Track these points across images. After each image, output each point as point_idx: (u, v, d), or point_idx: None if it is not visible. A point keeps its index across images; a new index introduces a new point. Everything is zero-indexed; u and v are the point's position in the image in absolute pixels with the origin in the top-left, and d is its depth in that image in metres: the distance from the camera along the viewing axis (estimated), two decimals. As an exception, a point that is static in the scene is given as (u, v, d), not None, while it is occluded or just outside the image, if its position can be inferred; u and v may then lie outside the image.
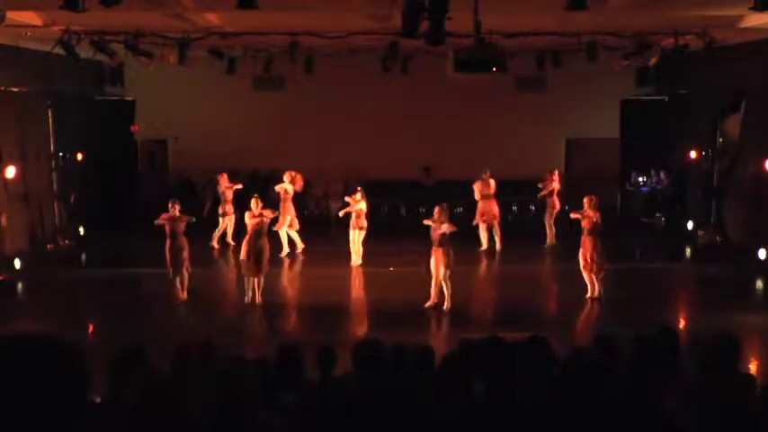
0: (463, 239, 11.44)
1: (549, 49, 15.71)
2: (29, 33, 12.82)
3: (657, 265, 14.98)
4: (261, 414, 3.64)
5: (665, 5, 10.83)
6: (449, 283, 11.18)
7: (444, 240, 11.03)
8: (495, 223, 15.78)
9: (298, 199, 19.65)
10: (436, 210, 11.17)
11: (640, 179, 19.51)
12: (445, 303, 11.25)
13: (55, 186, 16.73)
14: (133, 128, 19.73)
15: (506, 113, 20.11)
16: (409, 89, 18.78)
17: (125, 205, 18.68)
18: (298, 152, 19.22)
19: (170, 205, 11.90)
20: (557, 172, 16.64)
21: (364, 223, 14.33)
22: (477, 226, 15.69)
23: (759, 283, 13.15)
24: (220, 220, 16.16)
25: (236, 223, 15.74)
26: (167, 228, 11.79)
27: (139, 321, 11.16)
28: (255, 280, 11.70)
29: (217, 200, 17.46)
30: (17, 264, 14.04)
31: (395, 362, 5.01)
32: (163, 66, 14.60)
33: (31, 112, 15.81)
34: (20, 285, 13.37)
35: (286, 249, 15.25)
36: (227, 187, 16.19)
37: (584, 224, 11.64)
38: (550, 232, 16.15)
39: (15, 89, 14.94)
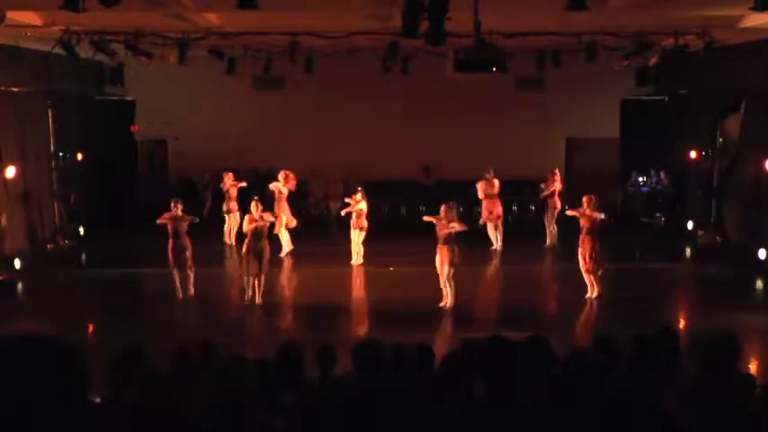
0: (465, 239, 11.42)
1: (549, 49, 15.71)
2: (29, 33, 12.82)
3: (657, 265, 14.98)
4: (261, 414, 3.64)
5: (665, 5, 10.84)
6: (452, 282, 11.17)
7: (450, 239, 11.01)
8: (498, 223, 15.79)
9: (298, 199, 19.74)
10: (443, 208, 11.13)
11: (640, 179, 19.51)
12: (448, 302, 11.24)
13: (55, 186, 16.73)
14: (133, 128, 19.73)
15: (506, 113, 20.11)
16: (409, 89, 18.78)
17: (125, 205, 18.69)
18: (298, 152, 19.23)
19: (172, 204, 11.90)
20: (558, 171, 16.63)
21: (365, 223, 14.34)
22: (484, 225, 15.71)
23: (759, 283, 13.15)
24: (225, 217, 16.27)
25: (239, 221, 15.78)
26: (170, 227, 11.79)
27: (139, 321, 11.16)
28: (255, 280, 11.70)
29: (217, 199, 17.50)
30: (17, 264, 14.05)
31: (395, 362, 5.01)
32: (163, 66, 14.60)
33: (31, 112, 15.82)
34: (20, 285, 13.37)
35: (286, 249, 15.25)
36: (231, 185, 16.26)
37: (583, 224, 11.64)
38: (551, 232, 16.15)
39: (15, 89, 14.94)
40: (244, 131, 19.77)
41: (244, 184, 16.37)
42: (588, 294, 11.71)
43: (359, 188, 14.80)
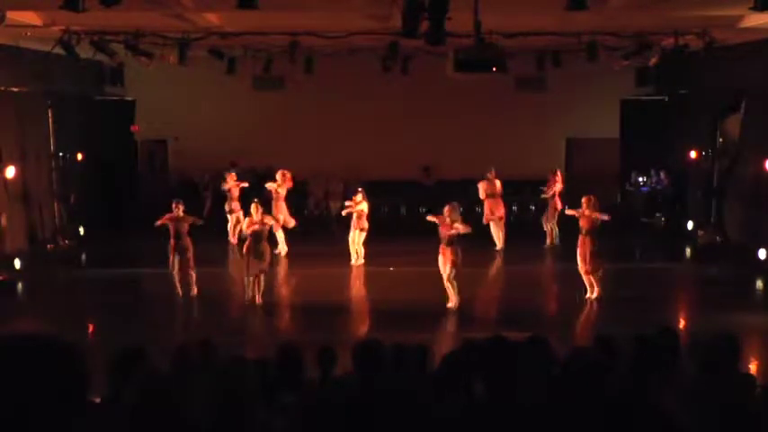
0: (467, 239, 11.41)
1: (549, 49, 15.71)
2: (29, 33, 12.82)
3: (657, 265, 14.98)
4: (261, 414, 3.64)
5: (665, 5, 10.84)
6: (454, 283, 11.16)
7: (453, 240, 10.99)
8: (501, 224, 15.80)
9: (298, 199, 19.75)
10: (446, 208, 11.08)
11: (640, 179, 19.51)
12: (450, 302, 11.23)
13: (55, 186, 16.73)
14: (133, 128, 19.74)
15: (506, 113, 20.11)
16: (409, 89, 18.79)
17: (125, 205, 18.69)
18: (298, 152, 19.24)
19: (174, 205, 11.89)
20: (559, 172, 16.61)
21: (365, 224, 14.33)
22: (488, 225, 15.71)
23: (759, 283, 13.15)
24: (228, 217, 16.28)
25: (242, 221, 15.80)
26: (171, 228, 11.79)
27: (139, 321, 11.16)
28: (256, 281, 11.70)
29: (217, 199, 17.49)
30: (17, 264, 14.04)
31: (394, 362, 5.01)
32: (163, 66, 14.60)
33: (31, 112, 15.82)
34: (20, 285, 13.37)
35: (284, 249, 15.26)
36: (234, 185, 16.27)
37: (582, 224, 11.64)
38: (551, 232, 16.14)
39: (15, 89, 14.95)
40: (244, 131, 19.77)
41: (246, 184, 16.38)
42: (588, 295, 11.71)
43: (360, 189, 14.80)
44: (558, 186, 16.23)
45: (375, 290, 13.28)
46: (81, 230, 17.17)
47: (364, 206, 14.34)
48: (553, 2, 9.10)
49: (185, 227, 11.82)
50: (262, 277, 11.71)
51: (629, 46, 13.96)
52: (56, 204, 16.78)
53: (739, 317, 10.77)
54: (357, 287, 13.70)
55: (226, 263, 15.28)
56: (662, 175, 18.88)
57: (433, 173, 20.40)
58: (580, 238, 11.67)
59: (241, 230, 11.66)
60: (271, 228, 12.52)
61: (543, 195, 16.54)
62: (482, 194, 15.83)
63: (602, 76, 17.69)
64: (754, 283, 13.15)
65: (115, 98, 19.63)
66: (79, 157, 17.61)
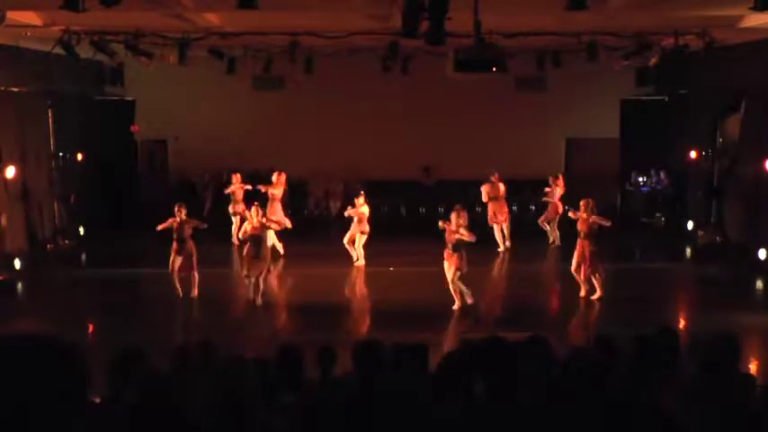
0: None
1: (549, 49, 15.71)
2: (29, 33, 12.83)
3: (657, 265, 14.98)
4: (261, 414, 3.64)
5: (665, 5, 10.84)
6: (459, 284, 11.16)
7: (459, 245, 11.00)
8: (504, 226, 15.82)
9: (298, 199, 19.77)
10: (453, 214, 11.07)
11: (640, 179, 19.51)
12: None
13: (55, 186, 16.73)
14: (133, 128, 19.74)
15: (506, 113, 20.11)
16: (409, 89, 18.79)
17: (125, 205, 18.69)
18: (298, 152, 19.26)
19: (176, 209, 11.87)
20: (561, 177, 16.59)
21: (366, 227, 14.33)
22: (491, 228, 15.72)
23: (759, 283, 13.15)
24: (233, 219, 16.22)
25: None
26: (174, 231, 11.78)
27: (139, 321, 11.16)
28: (256, 281, 11.69)
29: (217, 199, 17.47)
30: (17, 264, 14.05)
31: (394, 362, 5.01)
32: (163, 66, 14.60)
33: (31, 112, 15.82)
34: (20, 285, 13.38)
35: (280, 248, 15.27)
36: (239, 187, 16.23)
37: (580, 227, 11.64)
38: (554, 231, 16.14)
39: (15, 89, 14.95)
40: (244, 131, 19.77)
41: (249, 186, 16.30)
42: (582, 294, 11.72)
43: (361, 191, 14.81)
44: (560, 191, 16.23)
45: (375, 290, 13.27)
46: (81, 230, 17.17)
47: (365, 209, 14.35)
48: (553, 2, 9.10)
49: (188, 230, 11.82)
50: (261, 279, 11.70)
51: (629, 46, 13.96)
52: (56, 204, 16.77)
53: (739, 317, 10.77)
54: (357, 287, 13.70)
55: (226, 263, 15.26)
56: (662, 175, 18.88)
57: (432, 173, 20.40)
58: (579, 241, 11.68)
59: (245, 232, 11.68)
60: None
61: (545, 199, 16.52)
62: (485, 197, 15.83)
63: (602, 76, 17.69)
64: (754, 283, 13.15)
65: (115, 98, 19.63)
66: (79, 157, 17.61)
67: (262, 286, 11.75)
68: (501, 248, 15.73)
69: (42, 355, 1.80)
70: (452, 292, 11.21)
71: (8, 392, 1.73)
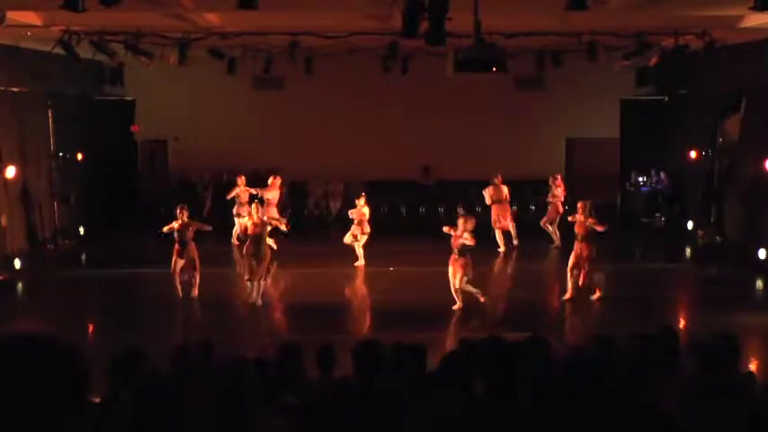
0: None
1: (549, 49, 15.69)
2: (29, 33, 12.82)
3: (657, 265, 14.98)
4: (261, 414, 3.64)
5: (665, 5, 10.83)
6: (468, 288, 11.15)
7: (464, 249, 11.02)
8: (511, 226, 15.86)
9: (298, 199, 19.78)
10: (460, 220, 11.07)
11: (640, 179, 19.51)
12: (456, 303, 11.23)
13: (55, 186, 16.74)
14: (133, 128, 19.74)
15: (506, 113, 20.11)
16: (409, 89, 18.78)
17: (125, 205, 18.69)
18: (298, 152, 19.25)
19: (178, 211, 11.86)
20: (560, 177, 16.62)
21: (367, 228, 14.35)
22: (493, 229, 15.75)
23: (759, 283, 13.15)
24: (237, 221, 16.13)
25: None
26: (176, 234, 11.77)
27: (139, 321, 11.17)
28: (256, 281, 11.69)
29: (217, 199, 17.44)
30: (17, 264, 14.05)
31: (394, 362, 5.01)
32: (163, 66, 14.59)
33: (31, 112, 15.82)
34: (20, 285, 13.38)
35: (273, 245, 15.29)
36: (244, 189, 16.15)
37: (577, 230, 11.64)
38: (556, 234, 16.15)
39: (15, 89, 14.95)
40: (244, 131, 19.76)
41: (254, 191, 16.23)
42: (567, 296, 11.72)
43: (362, 192, 14.82)
44: (560, 191, 16.25)
45: (375, 290, 13.27)
46: (81, 230, 17.17)
47: (366, 210, 14.38)
48: (553, 2, 9.10)
49: (190, 232, 11.81)
50: (261, 280, 11.70)
51: (629, 46, 13.96)
52: (56, 204, 16.78)
53: (739, 317, 10.78)
54: (357, 287, 13.69)
55: (226, 263, 15.25)
56: (662, 175, 18.88)
57: (432, 173, 20.39)
58: (575, 243, 11.68)
59: (245, 230, 11.65)
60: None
61: (549, 199, 16.52)
62: (488, 200, 15.85)
63: (602, 76, 17.67)
64: (754, 283, 13.15)
65: (115, 98, 19.63)
66: (79, 157, 17.61)
67: (262, 286, 11.75)
68: (501, 249, 15.73)
69: (42, 355, 1.80)
70: (453, 293, 11.21)
71: (8, 393, 1.73)
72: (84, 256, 15.95)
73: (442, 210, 19.32)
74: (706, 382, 4.29)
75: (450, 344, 9.09)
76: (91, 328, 11.23)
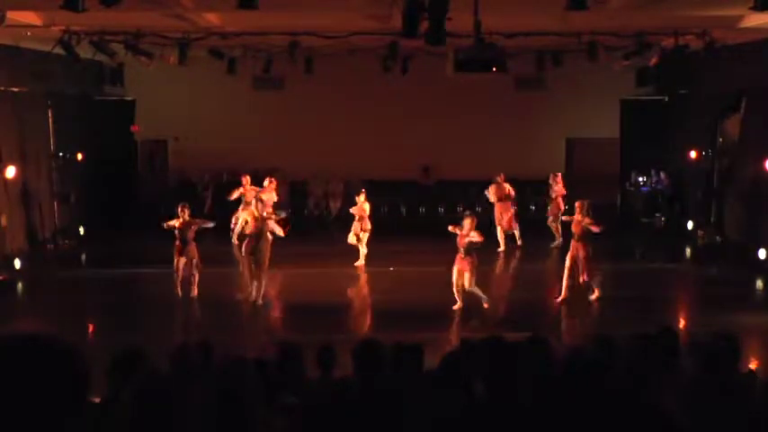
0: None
1: (548, 49, 15.69)
2: (29, 33, 12.82)
3: (657, 265, 14.98)
4: (261, 414, 3.64)
5: (665, 5, 10.84)
6: (475, 290, 11.14)
7: (471, 248, 11.01)
8: (514, 225, 15.89)
9: (298, 199, 19.78)
10: (467, 220, 11.07)
11: (640, 179, 19.51)
12: (456, 303, 11.23)
13: (55, 186, 16.74)
14: (133, 128, 19.74)
15: (506, 113, 20.11)
16: (409, 89, 18.78)
17: (125, 205, 18.69)
18: (298, 152, 19.26)
19: (179, 209, 11.86)
20: (560, 175, 16.64)
21: (368, 225, 14.36)
22: (496, 227, 15.77)
23: (759, 283, 13.15)
24: (240, 219, 16.12)
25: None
26: (177, 232, 11.77)
27: (139, 321, 11.17)
28: (256, 280, 11.70)
29: (217, 199, 17.42)
30: (17, 264, 14.05)
31: (394, 362, 5.01)
32: (163, 66, 14.60)
33: (31, 112, 15.82)
34: (20, 285, 13.38)
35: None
36: (250, 189, 16.14)
37: (574, 229, 11.64)
38: (558, 231, 16.16)
39: (15, 89, 14.95)
40: (244, 131, 19.76)
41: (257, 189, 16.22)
42: (560, 297, 11.70)
43: (362, 189, 14.83)
44: (560, 188, 16.27)
45: (375, 290, 13.27)
46: (81, 230, 17.17)
47: (366, 206, 14.39)
48: (553, 2, 9.10)
49: (192, 230, 11.81)
50: (262, 277, 11.70)
51: (629, 46, 13.96)
52: (56, 204, 16.78)
53: (739, 317, 10.78)
54: (357, 287, 13.69)
55: (226, 263, 15.25)
56: (662, 175, 18.88)
57: (432, 173, 20.40)
58: (572, 243, 11.67)
59: (244, 226, 11.66)
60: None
61: (550, 197, 16.54)
62: (492, 198, 15.89)
63: (602, 76, 17.67)
64: (754, 283, 13.16)
65: (115, 98, 19.63)
66: (79, 157, 17.61)
67: (262, 285, 11.75)
68: (501, 248, 15.73)
69: (42, 355, 1.80)
70: (455, 293, 11.19)
71: (8, 393, 1.73)
72: (84, 256, 15.95)
73: (442, 210, 19.33)
74: (706, 382, 4.29)
75: (450, 344, 9.08)
76: (91, 328, 11.23)
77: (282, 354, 5.24)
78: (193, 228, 11.86)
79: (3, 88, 14.52)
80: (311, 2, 10.78)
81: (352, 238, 14.40)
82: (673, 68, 16.24)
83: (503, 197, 15.87)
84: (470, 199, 16.21)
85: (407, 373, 4.92)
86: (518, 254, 15.81)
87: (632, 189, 19.75)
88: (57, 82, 16.05)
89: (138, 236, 15.92)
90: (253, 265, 11.63)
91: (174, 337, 9.85)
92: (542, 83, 19.50)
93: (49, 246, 16.10)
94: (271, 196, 15.52)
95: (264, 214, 11.88)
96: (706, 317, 11.03)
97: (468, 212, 11.43)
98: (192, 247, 11.83)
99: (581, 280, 11.59)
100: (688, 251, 16.14)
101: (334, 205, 19.84)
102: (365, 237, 14.36)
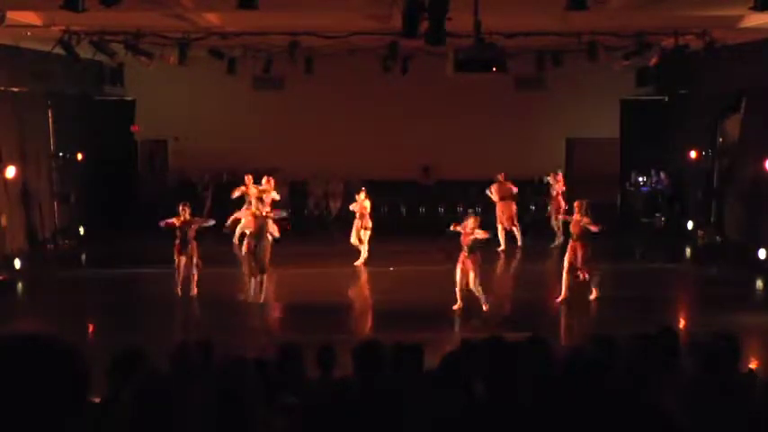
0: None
1: (548, 49, 15.70)
2: (29, 33, 12.82)
3: (657, 265, 14.98)
4: (261, 414, 3.64)
5: (665, 5, 10.84)
6: (479, 289, 11.15)
7: (476, 246, 11.02)
8: (515, 227, 15.92)
9: (298, 199, 19.78)
10: (471, 218, 11.06)
11: (640, 179, 19.51)
12: (456, 303, 11.23)
13: (55, 186, 16.74)
14: (133, 128, 19.74)
15: (506, 113, 20.11)
16: (409, 89, 18.78)
17: (125, 205, 18.69)
18: (298, 152, 19.25)
19: (180, 208, 11.87)
20: (561, 174, 16.66)
21: (369, 223, 14.37)
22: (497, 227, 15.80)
23: (759, 283, 13.15)
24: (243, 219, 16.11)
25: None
26: (178, 231, 11.78)
27: (139, 321, 11.16)
28: (257, 279, 11.70)
29: (217, 199, 17.41)
30: (17, 264, 14.05)
31: (394, 362, 5.01)
32: (163, 66, 14.60)
33: (31, 112, 15.83)
34: (20, 285, 13.37)
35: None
36: (254, 188, 16.11)
37: (572, 229, 11.64)
38: (560, 230, 16.17)
39: (15, 89, 14.95)
40: (244, 131, 19.76)
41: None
42: (560, 297, 11.69)
43: (362, 188, 14.84)
44: (560, 187, 16.29)
45: (375, 290, 13.27)
46: (81, 230, 17.17)
47: (367, 203, 14.42)
48: (553, 2, 9.10)
49: (192, 230, 11.81)
50: (264, 277, 11.71)
51: (629, 46, 13.96)
52: (56, 204, 16.78)
53: (739, 317, 10.77)
54: (357, 287, 13.69)
55: (226, 263, 15.24)
56: (662, 175, 18.88)
57: (432, 173, 20.39)
58: (570, 242, 11.67)
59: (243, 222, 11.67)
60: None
61: (551, 195, 16.56)
62: (496, 198, 15.93)
63: (602, 76, 17.67)
64: (754, 283, 13.16)
65: (115, 98, 19.63)
66: (79, 157, 17.61)
67: (264, 284, 11.75)
68: (502, 248, 15.74)
69: (42, 355, 1.80)
70: (458, 291, 11.17)
71: (8, 393, 1.73)
72: (84, 256, 15.95)
73: (442, 210, 19.33)
74: (706, 382, 4.28)
75: (450, 344, 9.08)
76: (91, 328, 11.23)
77: (282, 354, 5.24)
78: (194, 227, 11.86)
79: (3, 88, 14.52)
80: (311, 2, 10.78)
81: (354, 240, 14.40)
82: (673, 68, 16.24)
83: (505, 196, 15.90)
84: (470, 199, 16.23)
85: (407, 373, 4.92)
86: (518, 254, 15.82)
87: (632, 189, 19.75)
88: (57, 82, 16.05)
89: (138, 236, 15.91)
90: (253, 264, 11.63)
91: (174, 337, 9.84)
92: (542, 83, 19.49)
93: (49, 246, 16.10)
94: (272, 194, 15.51)
95: (264, 213, 11.88)
96: (706, 317, 11.03)
97: (471, 211, 11.44)
98: (193, 246, 11.83)
99: (580, 278, 11.58)
100: (688, 251, 16.14)
101: (334, 205, 19.84)
102: (366, 235, 14.36)
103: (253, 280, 11.73)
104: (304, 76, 16.81)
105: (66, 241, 16.58)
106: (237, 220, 13.72)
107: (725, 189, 16.32)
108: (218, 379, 3.64)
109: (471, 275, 11.01)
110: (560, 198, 16.22)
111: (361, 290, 13.64)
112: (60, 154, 16.93)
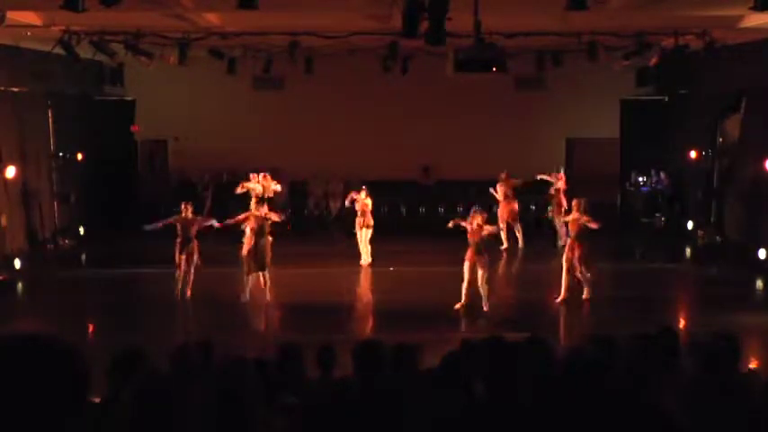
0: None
1: (548, 49, 15.70)
2: (29, 33, 12.83)
3: (657, 265, 14.98)
4: (261, 414, 3.64)
5: (665, 5, 10.84)
6: (486, 286, 11.14)
7: (483, 244, 11.01)
8: (517, 227, 15.94)
9: (298, 199, 19.78)
10: (478, 216, 11.04)
11: (640, 179, 19.51)
12: (484, 305, 11.22)
13: (55, 186, 16.74)
14: (133, 128, 19.74)
15: (506, 113, 20.11)
16: (409, 89, 18.78)
17: (125, 205, 18.69)
18: (298, 152, 19.25)
19: (182, 206, 11.89)
20: (562, 172, 16.67)
21: (371, 221, 14.40)
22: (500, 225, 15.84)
23: (759, 283, 13.15)
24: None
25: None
26: (179, 228, 11.78)
27: (139, 321, 11.16)
28: (261, 278, 11.71)
29: (217, 199, 17.41)
30: (17, 264, 14.05)
31: (394, 362, 5.01)
32: (163, 66, 14.60)
33: (31, 112, 15.83)
34: (20, 285, 13.37)
35: None
36: (256, 184, 16.07)
37: (571, 228, 11.64)
38: (562, 231, 16.16)
39: (15, 89, 14.95)
40: (244, 131, 19.76)
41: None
42: (560, 297, 11.69)
43: (363, 186, 14.85)
44: (561, 184, 16.29)
45: (375, 290, 13.28)
46: (81, 230, 17.17)
47: (368, 201, 14.45)
48: (553, 2, 9.10)
49: (193, 229, 11.81)
50: (266, 275, 11.70)
51: (629, 46, 13.96)
52: (56, 204, 16.78)
53: (739, 317, 10.78)
54: (357, 287, 13.69)
55: (226, 263, 15.23)
56: (662, 175, 18.88)
57: (432, 173, 20.40)
58: (569, 241, 11.67)
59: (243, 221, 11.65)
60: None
61: (551, 193, 16.59)
62: (500, 196, 16.07)
63: (602, 76, 17.67)
64: (754, 283, 13.16)
65: (115, 98, 19.63)
66: (79, 157, 17.62)
67: (268, 282, 11.75)
68: (504, 246, 15.75)
69: (42, 355, 1.80)
70: (463, 288, 11.13)
71: (8, 393, 1.73)
72: (84, 256, 15.96)
73: (442, 210, 19.32)
74: (706, 382, 4.28)
75: (450, 344, 9.08)
76: (91, 328, 11.23)
77: (282, 354, 5.23)
78: (195, 226, 11.86)
79: (3, 88, 14.52)
80: (311, 2, 10.78)
81: (360, 245, 14.40)
82: (673, 68, 16.24)
83: (509, 194, 15.93)
84: (470, 199, 16.17)
85: (407, 373, 4.92)
86: (519, 254, 15.83)
87: (632, 189, 19.75)
88: (57, 82, 16.05)
89: (138, 236, 15.80)
90: (254, 264, 11.62)
91: (174, 337, 9.84)
92: (542, 83, 19.49)
93: (49, 246, 16.11)
94: (275, 187, 15.45)
95: (264, 214, 11.88)
96: (706, 317, 11.04)
97: (477, 207, 11.39)
98: (193, 245, 11.83)
99: (578, 275, 11.58)
100: (688, 251, 16.14)
101: (334, 205, 19.83)
102: (368, 233, 14.37)
103: (251, 279, 11.71)
104: (304, 76, 16.82)
105: (67, 241, 16.59)
106: (239, 221, 13.65)
107: (725, 189, 16.32)
108: (218, 379, 3.64)
109: (480, 272, 10.99)
110: (562, 196, 16.21)
111: (362, 290, 13.64)
112: (60, 154, 16.93)
